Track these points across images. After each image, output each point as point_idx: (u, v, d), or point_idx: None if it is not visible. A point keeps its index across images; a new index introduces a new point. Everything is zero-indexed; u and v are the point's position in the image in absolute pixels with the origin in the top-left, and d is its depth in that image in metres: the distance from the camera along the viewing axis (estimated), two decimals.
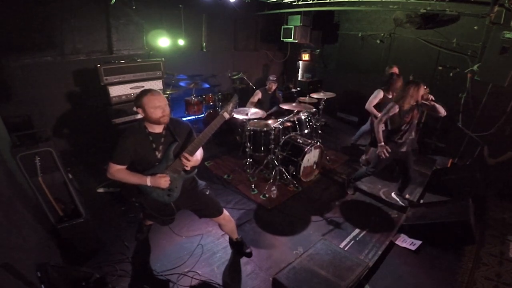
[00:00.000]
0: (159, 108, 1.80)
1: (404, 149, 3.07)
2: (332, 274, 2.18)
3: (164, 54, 4.73)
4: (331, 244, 2.58)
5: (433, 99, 2.80)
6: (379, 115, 3.89)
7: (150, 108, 1.79)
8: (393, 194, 3.63)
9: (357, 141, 4.97)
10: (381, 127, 3.01)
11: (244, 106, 4.52)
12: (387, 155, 2.96)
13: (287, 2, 5.26)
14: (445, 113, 2.85)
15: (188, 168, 1.92)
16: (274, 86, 4.81)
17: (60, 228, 2.29)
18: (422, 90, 2.79)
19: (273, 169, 3.77)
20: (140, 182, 1.90)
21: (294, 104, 4.23)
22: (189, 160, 1.86)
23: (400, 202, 3.49)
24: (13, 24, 3.51)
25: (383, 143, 2.99)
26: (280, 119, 3.85)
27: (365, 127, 4.55)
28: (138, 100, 1.82)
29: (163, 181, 1.87)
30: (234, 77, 5.72)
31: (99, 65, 3.70)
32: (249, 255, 2.62)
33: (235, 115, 3.72)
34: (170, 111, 1.93)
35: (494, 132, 3.95)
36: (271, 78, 4.79)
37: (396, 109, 2.90)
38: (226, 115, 1.88)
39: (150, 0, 4.60)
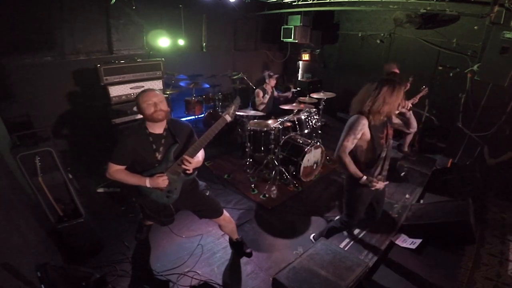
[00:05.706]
0: (151, 104, 1.80)
1: (383, 185, 2.03)
2: (332, 274, 2.17)
3: (164, 54, 4.73)
4: (331, 244, 2.57)
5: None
6: None
7: (143, 103, 1.81)
8: (314, 237, 2.77)
9: None
10: (349, 158, 1.98)
11: (246, 107, 4.51)
12: (381, 185, 1.99)
13: (287, 2, 5.25)
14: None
15: (190, 171, 1.91)
16: (273, 82, 4.75)
17: (60, 228, 2.30)
18: (402, 93, 1.89)
19: (273, 169, 3.77)
20: (139, 183, 1.90)
21: (294, 104, 4.22)
22: (190, 163, 1.84)
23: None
24: (13, 24, 3.51)
25: (365, 177, 1.96)
26: (280, 119, 3.85)
27: None
28: (135, 99, 1.87)
29: (161, 180, 1.85)
30: (234, 77, 5.71)
31: (99, 65, 3.70)
32: (249, 255, 2.62)
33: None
34: (170, 111, 1.93)
35: (494, 132, 3.95)
36: (270, 74, 4.64)
37: (365, 126, 1.90)
38: (228, 118, 1.87)
39: (150, 0, 4.60)
